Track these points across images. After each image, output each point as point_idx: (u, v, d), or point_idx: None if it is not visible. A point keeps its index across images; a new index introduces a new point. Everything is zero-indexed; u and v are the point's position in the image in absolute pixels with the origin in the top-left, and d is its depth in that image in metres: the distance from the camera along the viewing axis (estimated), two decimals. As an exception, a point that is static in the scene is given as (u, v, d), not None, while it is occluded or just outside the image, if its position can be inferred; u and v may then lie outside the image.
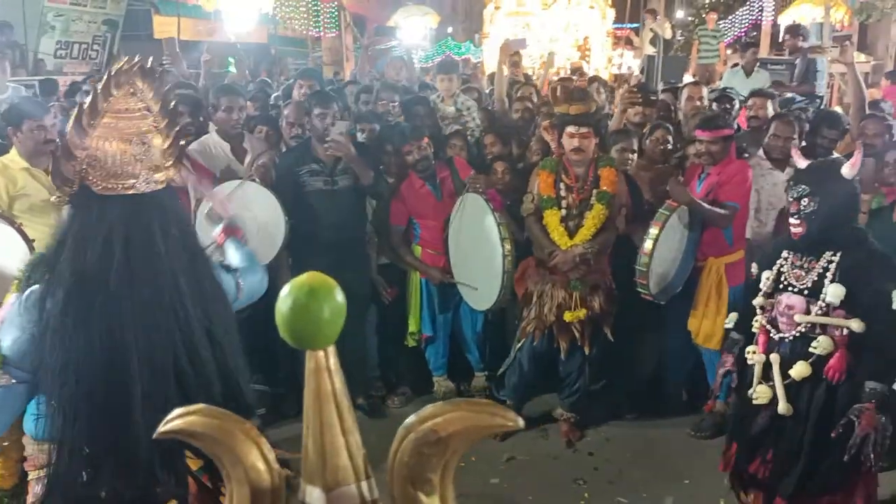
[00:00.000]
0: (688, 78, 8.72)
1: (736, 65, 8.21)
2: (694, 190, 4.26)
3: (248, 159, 4.40)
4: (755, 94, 5.38)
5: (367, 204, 4.64)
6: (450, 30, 17.22)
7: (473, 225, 4.29)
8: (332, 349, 0.98)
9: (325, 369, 0.99)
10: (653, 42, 11.79)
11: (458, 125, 5.44)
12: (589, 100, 4.12)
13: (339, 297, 1.00)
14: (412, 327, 4.73)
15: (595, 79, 7.17)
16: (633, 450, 4.27)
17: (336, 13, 12.85)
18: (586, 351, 4.18)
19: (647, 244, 3.96)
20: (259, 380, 4.91)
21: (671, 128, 4.80)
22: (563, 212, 4.10)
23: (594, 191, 4.07)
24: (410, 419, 0.98)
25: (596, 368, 4.31)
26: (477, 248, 4.27)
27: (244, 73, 6.71)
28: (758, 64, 7.67)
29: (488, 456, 4.12)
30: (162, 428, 0.98)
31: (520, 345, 4.31)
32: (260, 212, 4.16)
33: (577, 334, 4.14)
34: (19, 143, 3.87)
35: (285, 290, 0.95)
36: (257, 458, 0.98)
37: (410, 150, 4.47)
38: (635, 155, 4.69)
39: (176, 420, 0.98)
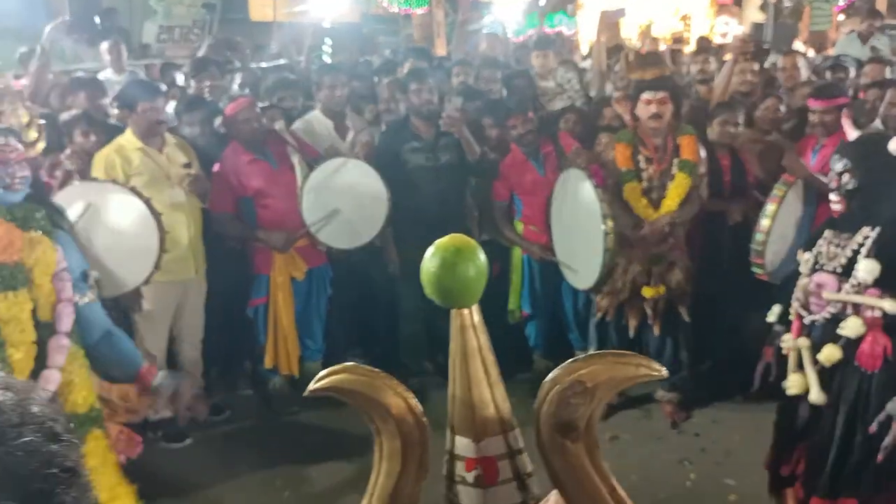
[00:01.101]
0: (799, 46, 8.30)
1: (852, 31, 7.76)
2: (808, 162, 4.06)
3: (349, 137, 4.47)
4: (872, 60, 5.08)
5: (468, 180, 4.63)
6: (542, 2, 16.96)
7: (575, 201, 4.21)
8: (476, 307, 1.01)
9: (470, 327, 1.07)
10: (762, 8, 11.24)
11: (561, 103, 5.36)
12: (663, 63, 4.00)
13: (483, 257, 1.03)
14: (512, 304, 4.70)
15: (706, 48, 6.89)
16: (742, 432, 4.13)
17: (427, -11, 12.80)
18: (656, 331, 4.07)
19: (765, 222, 3.79)
20: (358, 353, 5.00)
21: (783, 97, 4.58)
22: (645, 184, 4.00)
23: (675, 160, 3.96)
24: (556, 372, 1.03)
25: (689, 349, 4.18)
26: (578, 226, 4.20)
27: (348, 53, 6.80)
28: (877, 29, 7.22)
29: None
30: (313, 385, 1.04)
31: (596, 319, 4.26)
32: (363, 189, 4.23)
33: (649, 312, 4.03)
34: (134, 123, 4.02)
35: (431, 251, 1.01)
36: (406, 412, 1.06)
37: (515, 123, 4.41)
38: (739, 128, 4.49)
39: (326, 378, 1.03)
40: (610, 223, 3.98)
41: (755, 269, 3.90)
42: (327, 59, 7.16)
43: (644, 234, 3.96)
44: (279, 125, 4.39)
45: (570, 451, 1.01)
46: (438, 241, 1.00)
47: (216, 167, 4.23)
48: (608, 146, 4.52)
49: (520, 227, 4.59)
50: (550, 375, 1.00)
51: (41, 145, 2.49)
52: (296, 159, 4.31)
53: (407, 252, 4.48)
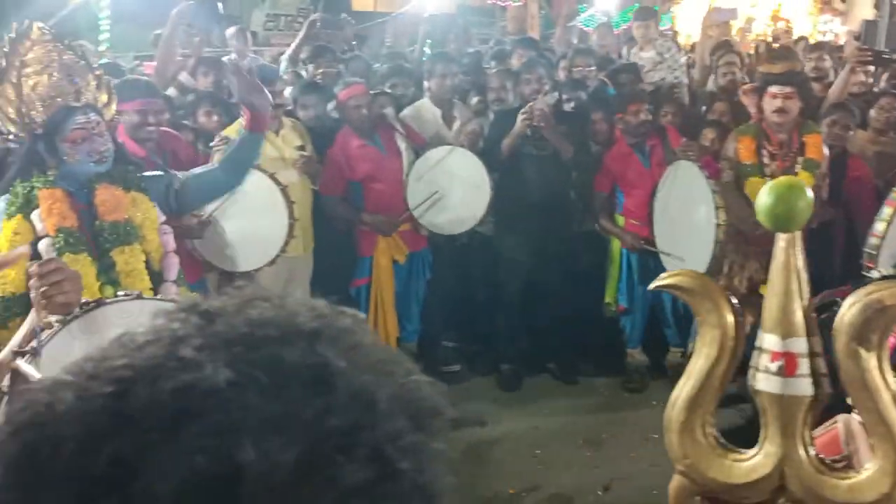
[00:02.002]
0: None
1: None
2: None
3: (456, 126, 4.58)
4: None
5: (571, 171, 4.67)
6: (637, -4, 16.61)
7: (685, 193, 4.18)
8: (798, 234, 1.35)
9: (793, 247, 1.35)
10: (876, 6, 10.78)
11: (661, 73, 5.34)
12: (794, 58, 3.92)
13: (810, 193, 1.37)
14: (608, 297, 4.72)
15: (821, 45, 6.70)
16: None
17: (522, -19, 12.78)
18: None
19: (879, 226, 3.69)
20: (453, 336, 5.13)
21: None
22: (767, 180, 3.93)
23: (799, 158, 3.88)
24: (858, 292, 1.30)
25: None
26: (687, 218, 4.18)
27: (452, 44, 6.90)
28: None
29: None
30: (657, 283, 1.36)
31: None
32: (466, 177, 4.35)
33: None
34: (252, 106, 4.21)
35: (768, 186, 1.30)
36: (727, 310, 1.37)
37: (627, 115, 4.42)
38: (849, 132, 4.36)
39: (668, 279, 1.44)
40: (722, 215, 3.92)
41: (867, 275, 3.80)
42: (427, 50, 7.27)
43: (764, 232, 3.90)
44: (389, 112, 4.53)
45: (863, 358, 1.25)
46: (776, 179, 1.41)
47: (328, 150, 4.40)
48: (714, 141, 4.49)
49: (620, 220, 4.60)
50: (854, 294, 1.28)
51: (113, 107, 2.62)
52: (403, 146, 4.45)
53: (508, 240, 4.57)
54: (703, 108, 5.37)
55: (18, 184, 2.43)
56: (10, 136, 2.44)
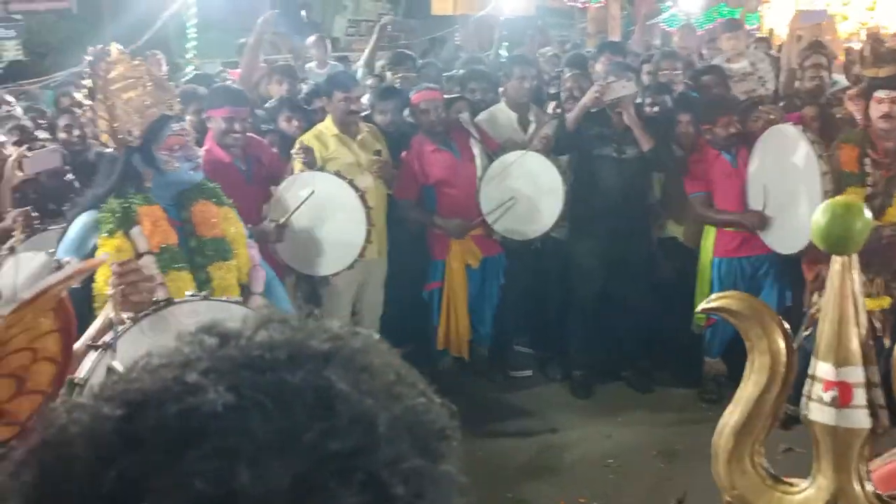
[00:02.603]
0: None
1: None
2: None
3: (531, 130, 4.57)
4: None
5: (651, 176, 4.59)
6: (722, -5, 16.18)
7: (783, 163, 4.08)
8: (855, 256, 1.28)
9: (848, 270, 1.28)
10: None
11: (751, 84, 5.19)
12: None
13: (868, 214, 1.29)
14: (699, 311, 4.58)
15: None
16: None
17: (604, -19, 12.63)
18: (885, 343, 3.82)
19: None
20: (525, 342, 5.11)
21: None
22: (868, 189, 3.77)
23: None
24: None
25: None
26: (790, 190, 4.05)
27: (535, 46, 6.91)
28: None
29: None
30: (704, 305, 1.41)
31: (806, 333, 4.04)
32: (540, 181, 4.34)
33: (876, 324, 3.79)
34: (332, 111, 4.32)
35: (823, 206, 1.25)
36: (779, 335, 1.30)
37: (716, 127, 4.30)
38: None
39: (716, 301, 1.38)
40: (828, 181, 3.77)
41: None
42: (503, 53, 7.29)
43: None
44: (464, 116, 4.56)
45: None
46: (832, 199, 1.30)
47: (403, 155, 4.46)
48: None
49: (711, 228, 4.47)
50: None
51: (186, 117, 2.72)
52: (477, 150, 4.47)
53: (584, 244, 4.52)
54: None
55: (113, 200, 2.43)
56: (108, 150, 2.54)
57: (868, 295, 3.76)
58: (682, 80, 5.08)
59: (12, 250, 2.80)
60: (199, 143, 4.20)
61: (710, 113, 4.42)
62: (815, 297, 3.95)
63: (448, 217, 4.43)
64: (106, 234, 2.38)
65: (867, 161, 3.78)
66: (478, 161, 4.43)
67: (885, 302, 3.75)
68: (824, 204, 1.32)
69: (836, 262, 1.27)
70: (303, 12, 10.19)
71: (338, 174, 3.85)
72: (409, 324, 4.83)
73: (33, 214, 3.12)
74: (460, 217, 4.41)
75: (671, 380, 4.70)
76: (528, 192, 4.35)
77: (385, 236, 4.39)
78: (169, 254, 2.45)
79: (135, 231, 2.42)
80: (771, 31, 9.67)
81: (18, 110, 4.78)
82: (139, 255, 2.40)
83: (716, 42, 7.00)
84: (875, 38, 4.04)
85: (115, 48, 2.47)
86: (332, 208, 3.74)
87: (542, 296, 4.93)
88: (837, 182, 3.81)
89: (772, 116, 4.10)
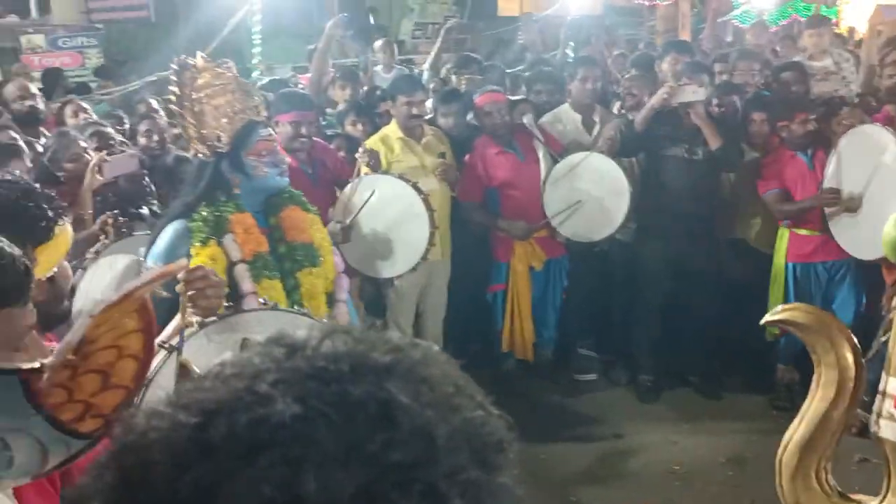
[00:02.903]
0: None
1: None
2: None
3: (596, 131, 4.53)
4: None
5: (722, 177, 4.50)
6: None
7: (863, 160, 3.95)
8: None
9: None
10: None
11: (834, 84, 5.03)
12: None
13: None
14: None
15: None
16: None
17: (674, -20, 12.39)
18: None
19: None
20: (590, 345, 5.06)
21: None
22: None
23: None
24: None
25: None
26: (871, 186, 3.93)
27: (600, 46, 6.84)
28: None
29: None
30: (770, 317, 1.33)
31: (884, 339, 3.89)
32: (604, 183, 4.29)
33: None
34: (396, 115, 4.37)
35: (894, 217, 1.24)
36: (847, 350, 1.27)
37: (792, 124, 4.19)
38: None
39: (782, 313, 1.37)
40: None
41: None
42: (570, 53, 7.23)
43: None
44: (527, 119, 4.55)
45: None
46: None
47: (467, 158, 4.47)
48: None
49: (784, 229, 4.36)
50: None
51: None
52: (541, 152, 4.45)
53: (651, 247, 4.45)
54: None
55: (205, 208, 2.42)
56: (187, 154, 2.65)
57: None
58: (758, 80, 4.95)
59: (97, 254, 2.94)
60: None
61: (787, 110, 4.30)
62: (894, 302, 3.79)
63: (512, 219, 4.42)
64: (199, 244, 2.36)
65: None
66: (542, 163, 4.41)
67: None
68: (894, 216, 1.28)
69: None
70: (370, 16, 10.32)
71: (401, 177, 3.89)
72: (473, 326, 4.85)
73: (120, 219, 3.23)
74: (524, 219, 4.40)
75: (741, 386, 4.58)
76: (594, 193, 4.30)
77: (449, 238, 4.41)
78: (261, 261, 2.43)
79: (227, 239, 2.40)
80: (851, 28, 9.30)
81: (94, 116, 4.98)
82: (232, 264, 2.38)
83: (793, 39, 6.81)
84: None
85: (200, 56, 2.48)
86: (395, 211, 3.79)
87: (607, 298, 4.87)
88: None
89: (846, 122, 3.95)
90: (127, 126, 4.82)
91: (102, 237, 3.06)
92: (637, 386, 4.62)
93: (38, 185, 1.85)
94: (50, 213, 1.64)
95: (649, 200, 4.43)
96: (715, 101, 4.62)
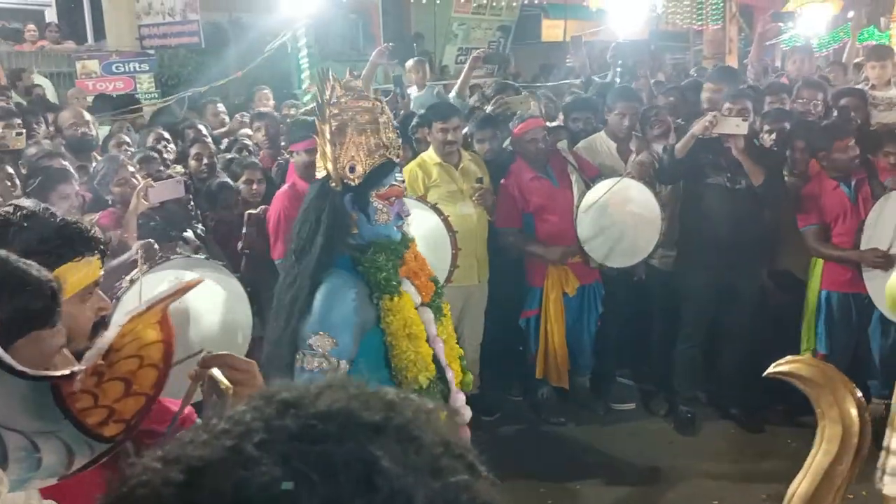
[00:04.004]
0: None
1: None
2: None
3: (632, 158, 4.50)
4: None
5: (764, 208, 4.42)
6: (850, 14, 15.57)
7: None
8: None
9: None
10: None
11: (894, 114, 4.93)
12: None
13: None
14: (805, 344, 4.37)
15: None
16: None
17: (721, 3, 12.30)
18: None
19: None
20: (627, 374, 4.99)
21: None
22: None
23: None
24: None
25: None
26: None
27: (645, 71, 6.80)
28: None
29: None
30: (773, 369, 1.30)
31: None
32: (637, 208, 4.26)
33: None
34: (432, 141, 4.40)
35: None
36: (851, 404, 1.25)
37: (834, 152, 4.12)
38: None
39: (786, 364, 1.33)
40: None
41: None
42: (617, 79, 7.22)
43: None
44: (562, 145, 4.54)
45: None
46: None
47: (502, 183, 4.48)
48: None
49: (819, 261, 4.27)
50: None
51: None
52: (574, 177, 4.43)
53: (692, 276, 4.38)
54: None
55: (377, 253, 2.20)
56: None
57: None
58: (820, 110, 4.86)
59: (133, 282, 2.98)
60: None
61: (829, 135, 4.21)
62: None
63: (547, 244, 4.41)
64: (388, 296, 2.19)
65: None
66: (575, 188, 4.40)
67: None
68: None
69: None
70: (414, 45, 10.46)
71: (419, 199, 3.89)
72: (509, 352, 4.81)
73: (155, 247, 3.29)
74: (558, 244, 4.37)
75: (784, 420, 4.46)
76: (625, 219, 4.27)
77: (486, 263, 4.41)
78: (434, 304, 2.34)
79: (406, 284, 2.26)
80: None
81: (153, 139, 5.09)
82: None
83: (843, 65, 6.69)
84: None
85: (354, 81, 2.30)
86: (418, 235, 3.77)
87: (646, 326, 4.80)
88: None
89: None
90: (172, 148, 4.93)
91: (141, 264, 3.09)
92: (676, 417, 4.52)
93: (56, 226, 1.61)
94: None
95: (690, 229, 4.37)
96: (767, 128, 4.54)
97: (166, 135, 5.02)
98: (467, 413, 2.38)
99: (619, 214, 4.27)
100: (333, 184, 2.19)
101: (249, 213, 4.04)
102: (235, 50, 8.32)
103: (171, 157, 4.78)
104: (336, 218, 2.18)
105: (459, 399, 2.35)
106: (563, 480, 4.05)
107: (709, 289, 4.34)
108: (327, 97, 2.17)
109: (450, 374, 2.32)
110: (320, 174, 2.25)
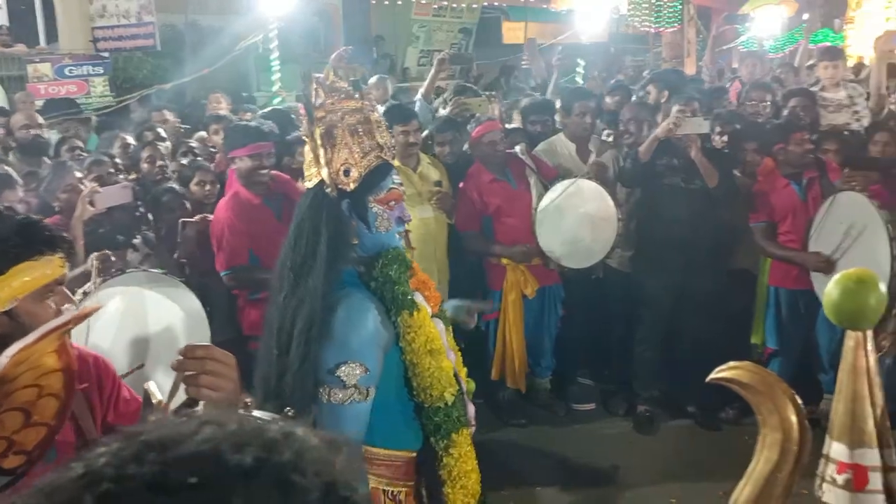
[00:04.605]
0: None
1: None
2: None
3: (591, 159, 4.52)
4: None
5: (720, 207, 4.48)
6: (805, 16, 15.81)
7: (850, 227, 3.88)
8: (870, 332, 1.20)
9: (862, 347, 1.20)
10: None
11: (846, 116, 5.02)
12: None
13: (883, 288, 1.21)
14: (755, 338, 4.44)
15: None
16: None
17: (679, 6, 12.46)
18: None
19: None
20: (587, 374, 5.01)
21: None
22: None
23: None
24: None
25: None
26: (854, 253, 3.86)
27: (601, 74, 6.86)
28: None
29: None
30: (715, 375, 1.30)
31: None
32: (594, 210, 4.29)
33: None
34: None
35: (836, 278, 1.17)
36: (791, 411, 1.22)
37: (789, 145, 4.19)
38: None
39: (728, 371, 1.28)
40: None
41: None
42: (579, 81, 7.26)
43: None
44: (519, 148, 4.55)
45: None
46: (844, 271, 1.21)
47: (461, 186, 4.47)
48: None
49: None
50: None
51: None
52: (532, 180, 4.44)
53: (649, 276, 4.41)
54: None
55: (387, 266, 2.03)
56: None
57: None
58: (769, 112, 4.95)
59: (86, 294, 2.91)
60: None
61: (783, 132, 4.28)
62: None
63: (506, 244, 4.40)
64: (407, 312, 2.01)
65: None
66: (533, 191, 4.40)
67: None
68: (837, 276, 1.22)
69: (850, 339, 1.19)
70: (374, 50, 10.42)
71: None
72: (471, 355, 4.79)
73: (112, 258, 3.21)
74: (515, 244, 4.37)
75: (738, 416, 4.51)
76: (582, 220, 4.29)
77: (445, 266, 4.39)
78: (442, 314, 2.24)
79: (417, 297, 2.10)
80: (860, 61, 9.23)
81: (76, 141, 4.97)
82: None
83: (794, 67, 6.80)
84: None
85: (340, 81, 2.11)
86: None
87: (605, 327, 4.83)
88: None
89: (853, 182, 3.91)
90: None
91: (95, 276, 3.01)
92: (635, 417, 4.55)
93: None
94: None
95: (646, 230, 4.41)
96: (717, 130, 4.60)
97: (130, 139, 4.92)
98: (474, 426, 2.27)
99: (577, 216, 4.29)
100: (329, 189, 2.00)
101: (184, 221, 3.90)
102: (193, 53, 8.20)
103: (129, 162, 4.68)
104: (337, 227, 1.99)
105: (471, 410, 2.25)
106: (524, 481, 4.05)
107: (665, 289, 4.38)
108: (313, 100, 2.02)
109: (463, 385, 2.21)
110: (310, 183, 2.06)
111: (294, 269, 1.99)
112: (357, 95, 2.07)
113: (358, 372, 1.91)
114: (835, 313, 1.18)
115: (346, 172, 1.99)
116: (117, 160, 4.51)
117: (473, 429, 2.24)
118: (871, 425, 1.17)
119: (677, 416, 4.59)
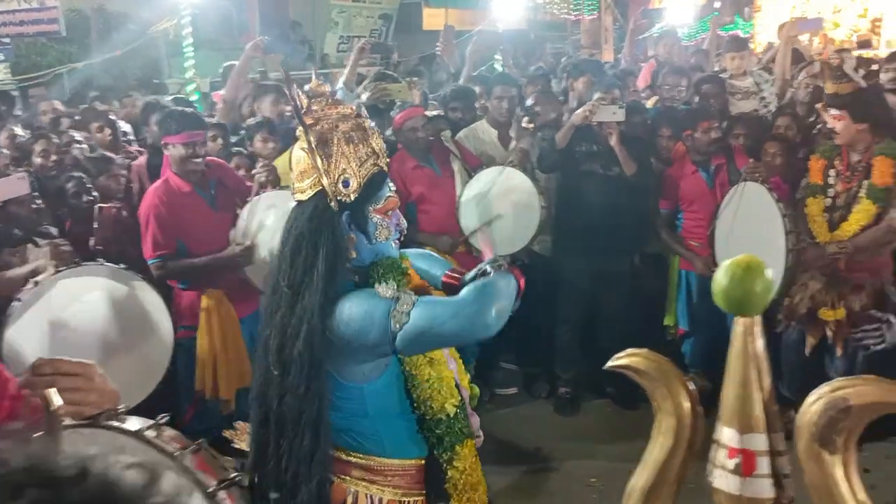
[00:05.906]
0: None
1: None
2: None
3: (512, 146, 4.55)
4: None
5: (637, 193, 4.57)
6: (717, 4, 16.28)
7: (751, 216, 4.02)
8: (758, 318, 1.21)
9: (750, 333, 1.22)
10: None
11: (754, 103, 5.19)
12: (843, 79, 3.76)
13: (769, 274, 1.22)
14: (668, 320, 4.58)
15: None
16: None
17: (597, -6, 12.66)
18: (837, 352, 3.80)
19: None
20: (510, 359, 5.07)
21: None
22: (828, 201, 3.78)
23: (865, 182, 3.69)
24: (823, 387, 1.17)
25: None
26: (753, 243, 4.02)
27: (519, 61, 6.88)
28: None
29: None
30: (613, 362, 1.31)
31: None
32: (517, 197, 4.31)
33: (829, 332, 3.79)
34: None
35: (724, 265, 1.21)
36: (684, 397, 1.24)
37: (704, 129, 4.31)
38: None
39: (625, 358, 1.31)
40: (793, 239, 3.74)
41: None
42: (498, 68, 7.29)
43: (808, 258, 3.76)
44: (444, 134, 4.54)
45: (826, 461, 1.14)
46: (733, 259, 1.22)
47: (384, 172, 4.43)
48: (775, 156, 4.31)
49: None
50: (817, 390, 1.16)
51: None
52: (456, 167, 4.45)
53: (567, 260, 4.49)
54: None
55: (390, 270, 1.96)
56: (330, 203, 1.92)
57: (824, 304, 3.76)
58: (684, 97, 5.07)
59: (36, 284, 2.82)
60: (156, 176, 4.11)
61: (693, 118, 4.40)
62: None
63: (429, 233, 4.40)
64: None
65: (831, 173, 3.80)
66: (457, 178, 4.42)
67: (840, 313, 3.75)
68: (725, 264, 1.21)
69: (738, 325, 1.20)
70: (290, 32, 10.21)
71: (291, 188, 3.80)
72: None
73: (67, 249, 3.11)
74: (441, 233, 4.38)
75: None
76: (507, 207, 4.32)
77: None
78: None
79: None
80: (769, 45, 9.59)
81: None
82: None
83: (706, 53, 6.99)
84: (840, 50, 4.05)
85: (322, 86, 2.03)
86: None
87: (527, 312, 4.86)
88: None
89: (756, 172, 4.05)
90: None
91: (49, 267, 2.96)
92: (556, 399, 4.64)
93: None
94: None
95: (566, 215, 4.47)
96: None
97: (18, 130, 4.67)
98: (481, 436, 2.24)
99: (501, 203, 4.31)
100: (330, 201, 1.90)
101: (101, 207, 3.78)
102: (99, 39, 7.88)
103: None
104: (336, 242, 1.92)
105: (475, 422, 2.22)
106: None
107: (584, 273, 4.47)
108: (300, 106, 1.92)
109: (465, 395, 2.17)
110: (304, 195, 1.95)
111: (292, 287, 1.92)
112: (343, 101, 2.05)
113: (409, 301, 1.87)
114: (723, 300, 1.20)
115: (346, 183, 1.91)
116: (5, 151, 4.28)
117: (480, 440, 2.22)
118: (759, 410, 1.19)
119: (597, 396, 4.70)
